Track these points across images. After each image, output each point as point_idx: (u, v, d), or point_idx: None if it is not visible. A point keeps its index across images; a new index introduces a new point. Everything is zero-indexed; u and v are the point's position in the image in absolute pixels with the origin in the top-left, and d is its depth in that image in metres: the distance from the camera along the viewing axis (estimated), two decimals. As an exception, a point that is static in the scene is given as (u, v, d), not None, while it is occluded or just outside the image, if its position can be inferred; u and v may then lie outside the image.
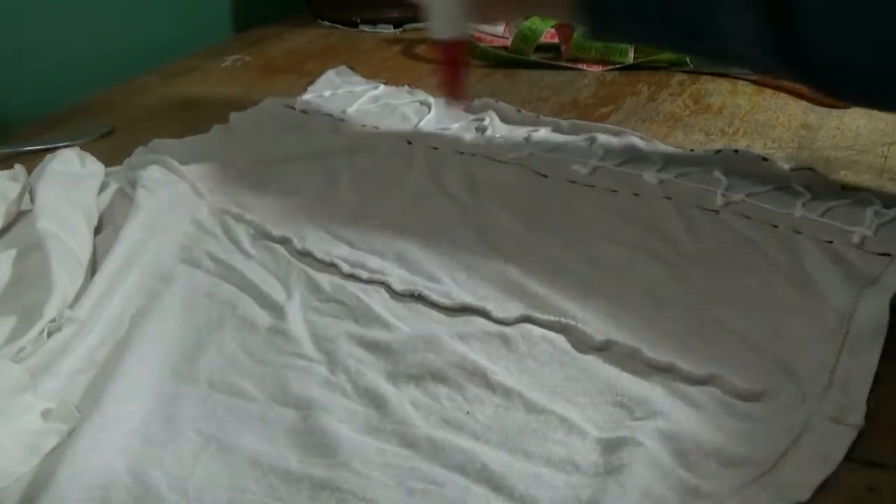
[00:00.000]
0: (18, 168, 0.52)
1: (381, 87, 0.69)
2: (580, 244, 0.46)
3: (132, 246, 0.46)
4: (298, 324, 0.41)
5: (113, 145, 0.61)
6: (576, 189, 0.52)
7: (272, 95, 0.67)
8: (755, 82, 0.68)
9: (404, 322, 0.41)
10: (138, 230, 0.47)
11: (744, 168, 0.53)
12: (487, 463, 0.32)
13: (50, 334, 0.39)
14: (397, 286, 0.43)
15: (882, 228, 0.46)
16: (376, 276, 0.44)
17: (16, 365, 0.37)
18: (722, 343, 0.38)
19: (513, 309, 0.41)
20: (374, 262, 0.45)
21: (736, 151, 0.55)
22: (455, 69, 0.54)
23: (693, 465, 0.32)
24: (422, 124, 0.61)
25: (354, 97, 0.67)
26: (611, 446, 0.33)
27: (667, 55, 0.72)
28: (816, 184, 0.50)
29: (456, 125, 0.61)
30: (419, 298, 0.42)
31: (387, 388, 0.36)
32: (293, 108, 0.65)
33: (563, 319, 0.40)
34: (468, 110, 0.58)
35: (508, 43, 0.77)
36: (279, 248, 0.47)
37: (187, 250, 0.47)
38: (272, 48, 0.83)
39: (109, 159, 0.55)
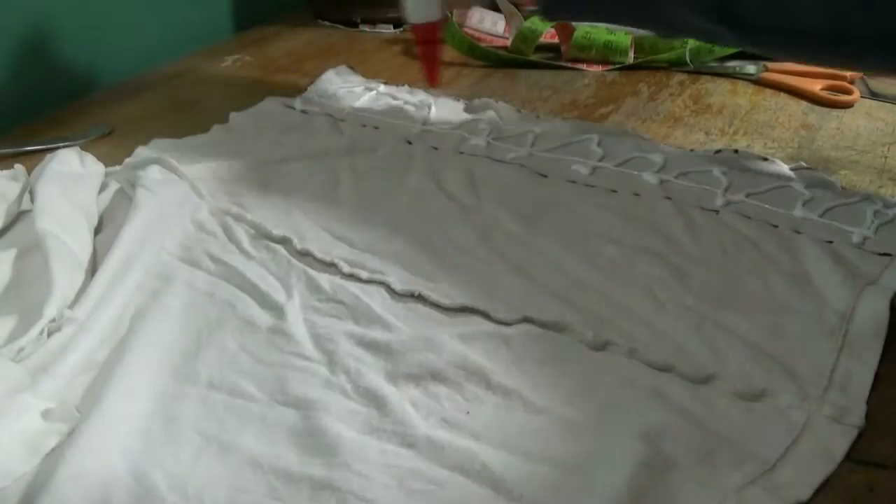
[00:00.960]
0: (18, 168, 0.52)
1: (381, 87, 0.69)
2: (580, 244, 0.46)
3: (132, 246, 0.46)
4: (298, 324, 0.41)
5: (113, 145, 0.61)
6: (576, 189, 0.52)
7: (272, 95, 0.67)
8: (755, 82, 0.68)
9: (404, 322, 0.41)
10: (138, 230, 0.47)
11: (744, 168, 0.53)
12: (487, 463, 0.32)
13: (50, 334, 0.39)
14: (397, 286, 0.43)
15: (882, 228, 0.46)
16: (376, 276, 0.44)
17: (16, 365, 0.37)
18: (722, 343, 0.38)
19: (513, 309, 0.41)
20: (374, 262, 0.45)
21: (736, 151, 0.55)
22: (431, 49, 0.60)
23: (693, 464, 0.32)
24: (422, 125, 0.61)
25: (354, 97, 0.67)
26: (610, 446, 0.33)
27: (667, 55, 0.72)
28: (816, 184, 0.50)
29: (456, 125, 0.61)
30: (419, 298, 0.42)
31: (387, 389, 0.36)
32: (293, 108, 0.65)
33: (563, 319, 0.40)
34: (436, 85, 0.63)
35: (508, 43, 0.77)
36: (279, 248, 0.47)
37: (187, 250, 0.47)
38: (272, 48, 0.83)
39: (109, 159, 0.55)
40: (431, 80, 0.62)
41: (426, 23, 0.59)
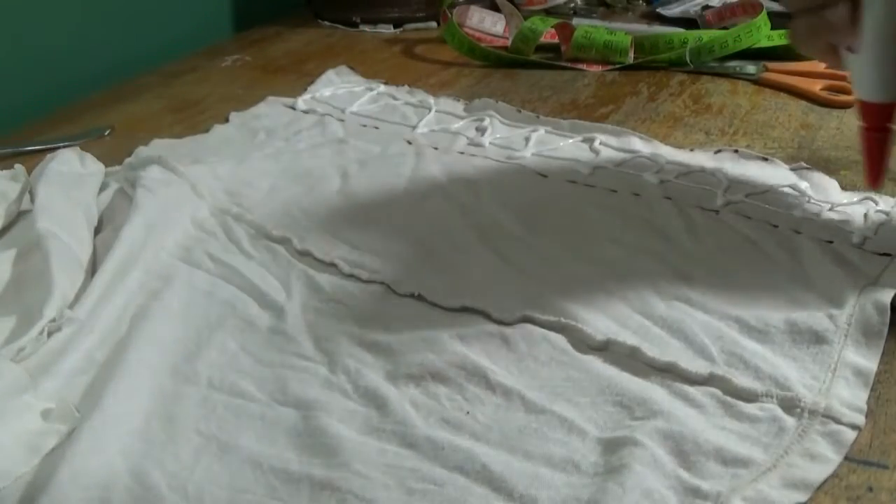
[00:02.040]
0: (18, 168, 0.52)
1: (381, 87, 0.69)
2: (580, 244, 0.46)
3: (132, 246, 0.46)
4: (298, 324, 0.41)
5: (113, 145, 0.61)
6: (576, 189, 0.52)
7: (272, 95, 0.67)
8: (755, 82, 0.68)
9: (404, 322, 0.41)
10: (138, 230, 0.47)
11: (744, 168, 0.53)
12: (487, 463, 0.32)
13: (50, 334, 0.39)
14: (397, 286, 0.43)
15: (882, 228, 0.46)
16: (376, 276, 0.44)
17: (16, 365, 0.37)
18: (721, 343, 0.38)
19: (513, 309, 0.41)
20: (374, 262, 0.45)
21: (736, 151, 0.55)
22: (882, 139, 0.42)
23: (693, 465, 0.32)
24: (422, 124, 0.61)
25: (354, 97, 0.67)
26: (611, 446, 0.33)
27: (667, 55, 0.72)
28: (816, 184, 0.50)
29: (456, 125, 0.61)
30: (419, 298, 0.42)
31: (387, 389, 0.36)
32: (293, 108, 0.65)
33: (563, 319, 0.40)
34: (878, 187, 0.45)
35: (508, 43, 0.77)
36: (279, 248, 0.47)
37: (187, 250, 0.47)
38: (272, 48, 0.83)
39: (109, 159, 0.55)
40: (874, 177, 0.43)
41: (885, 103, 0.42)
